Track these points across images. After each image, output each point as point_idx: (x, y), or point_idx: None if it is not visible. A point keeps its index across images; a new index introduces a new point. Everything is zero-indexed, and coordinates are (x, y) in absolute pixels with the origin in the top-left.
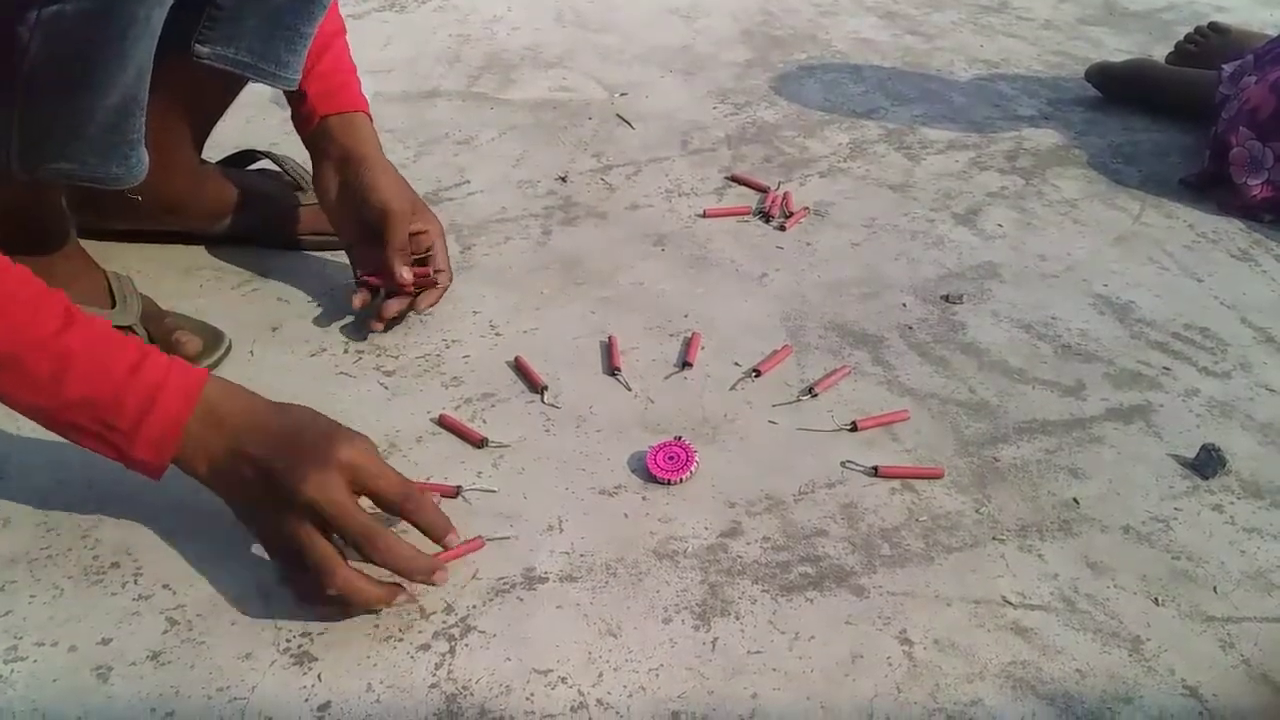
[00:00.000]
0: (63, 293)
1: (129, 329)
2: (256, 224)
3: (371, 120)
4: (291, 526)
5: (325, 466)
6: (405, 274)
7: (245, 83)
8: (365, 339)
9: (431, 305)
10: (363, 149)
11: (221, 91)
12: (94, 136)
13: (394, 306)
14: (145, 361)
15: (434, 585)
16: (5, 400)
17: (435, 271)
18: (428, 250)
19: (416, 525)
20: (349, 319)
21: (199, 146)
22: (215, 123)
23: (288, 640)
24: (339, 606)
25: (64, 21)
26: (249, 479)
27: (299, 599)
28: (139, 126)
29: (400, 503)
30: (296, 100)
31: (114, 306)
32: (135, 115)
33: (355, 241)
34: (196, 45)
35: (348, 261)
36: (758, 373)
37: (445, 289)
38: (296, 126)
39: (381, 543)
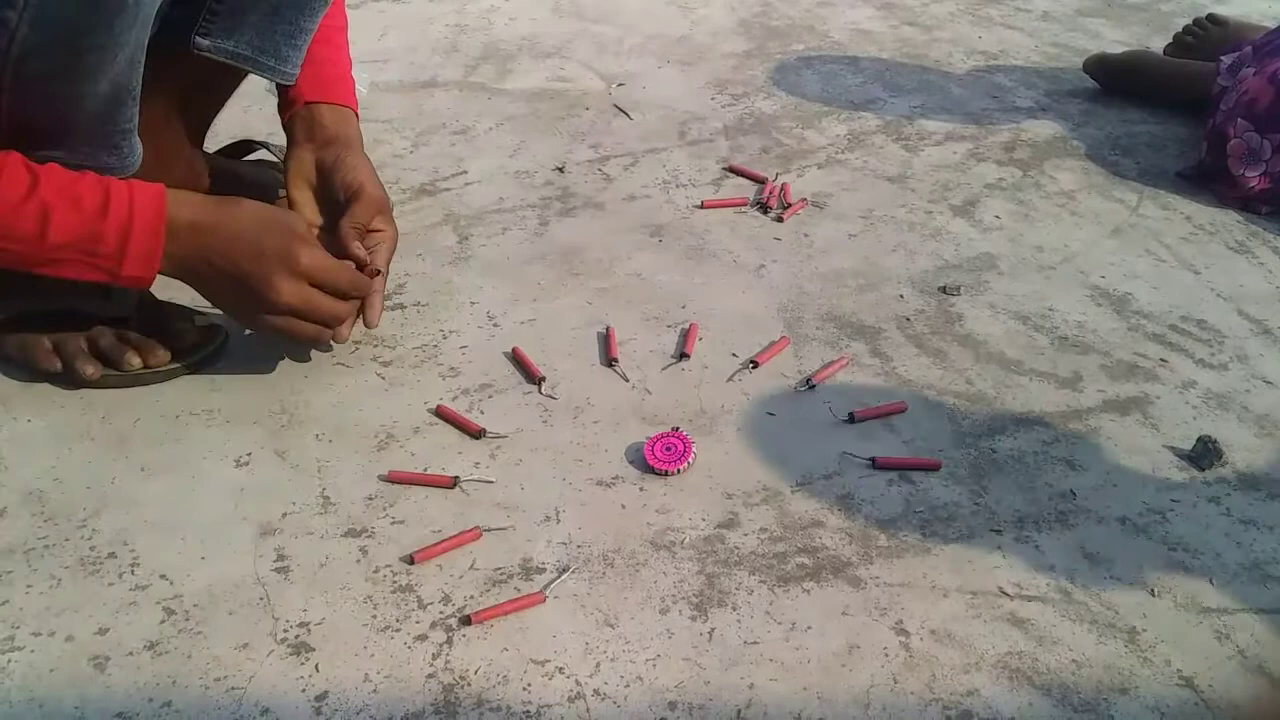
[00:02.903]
0: (14, 152)
1: (125, 321)
2: None
3: (358, 118)
4: (274, 322)
5: (292, 276)
6: (358, 249)
7: (244, 76)
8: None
9: (378, 317)
10: (348, 138)
11: (221, 85)
12: (85, 125)
13: (345, 332)
14: (111, 193)
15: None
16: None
17: (376, 270)
18: (374, 247)
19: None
20: None
21: (198, 139)
22: (215, 115)
23: (285, 630)
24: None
25: (51, 5)
26: (225, 283)
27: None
28: (131, 116)
29: (350, 292)
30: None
31: (110, 297)
32: (127, 104)
33: (314, 223)
34: (197, 38)
35: None
36: (755, 364)
37: (382, 294)
38: (281, 107)
39: (344, 315)
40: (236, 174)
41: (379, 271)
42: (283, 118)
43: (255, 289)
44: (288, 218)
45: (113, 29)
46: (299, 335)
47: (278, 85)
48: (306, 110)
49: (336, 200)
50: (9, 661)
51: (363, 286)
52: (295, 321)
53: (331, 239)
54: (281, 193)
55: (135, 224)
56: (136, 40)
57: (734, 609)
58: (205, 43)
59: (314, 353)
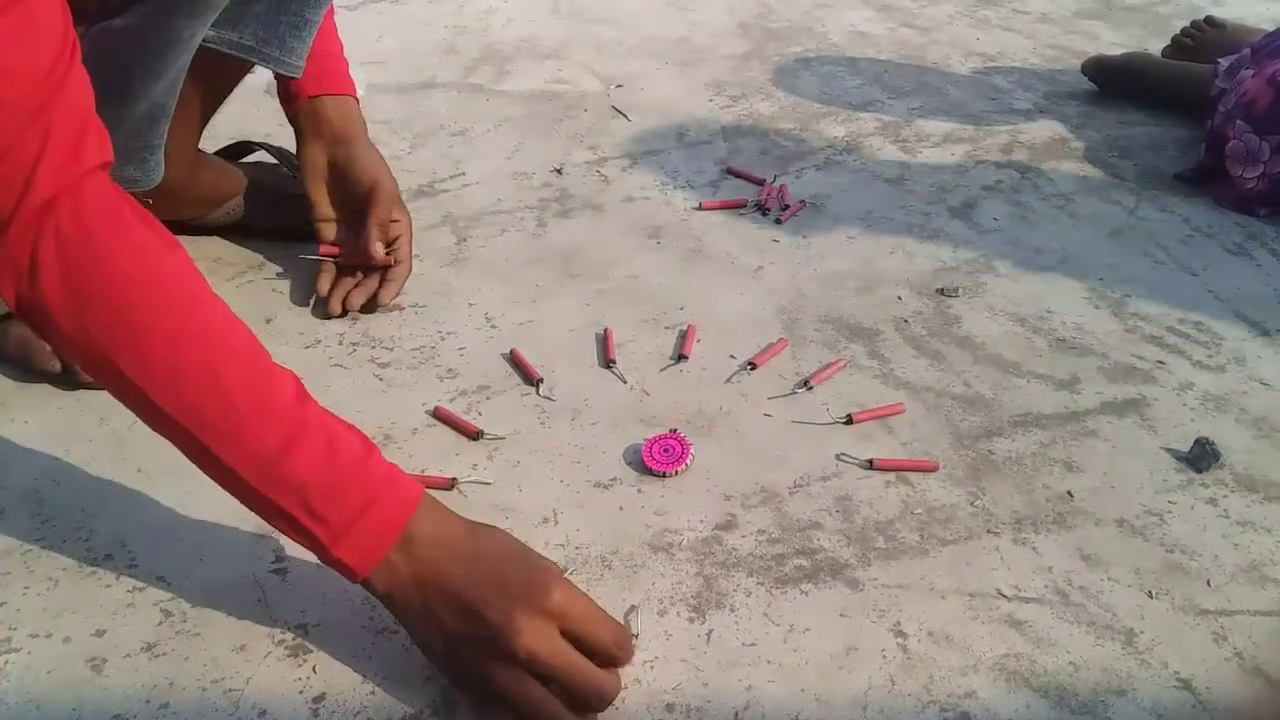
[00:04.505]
0: (293, 374)
1: None
2: (251, 214)
3: (359, 103)
4: (503, 678)
5: (541, 615)
6: (378, 248)
7: (246, 70)
8: (349, 324)
9: (393, 298)
10: (355, 132)
11: (221, 79)
12: (118, 141)
13: (357, 298)
14: (370, 457)
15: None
16: (204, 463)
17: (396, 261)
18: (395, 239)
19: (614, 666)
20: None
21: (196, 135)
22: (214, 111)
23: (283, 632)
24: None
25: (110, 37)
26: (451, 617)
27: None
28: (162, 132)
29: (613, 649)
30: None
31: None
32: (160, 122)
33: (331, 218)
34: None
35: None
36: (753, 365)
37: (403, 281)
38: (283, 100)
39: (610, 695)
40: (234, 173)
41: (399, 262)
42: (287, 111)
43: (489, 624)
44: (541, 557)
45: (165, 57)
46: (534, 707)
47: (278, 77)
48: (310, 105)
49: (354, 196)
50: (6, 663)
51: (626, 646)
52: (532, 685)
53: (352, 235)
54: (299, 189)
55: (379, 502)
56: (181, 66)
57: (732, 610)
58: (210, 33)
59: (311, 352)
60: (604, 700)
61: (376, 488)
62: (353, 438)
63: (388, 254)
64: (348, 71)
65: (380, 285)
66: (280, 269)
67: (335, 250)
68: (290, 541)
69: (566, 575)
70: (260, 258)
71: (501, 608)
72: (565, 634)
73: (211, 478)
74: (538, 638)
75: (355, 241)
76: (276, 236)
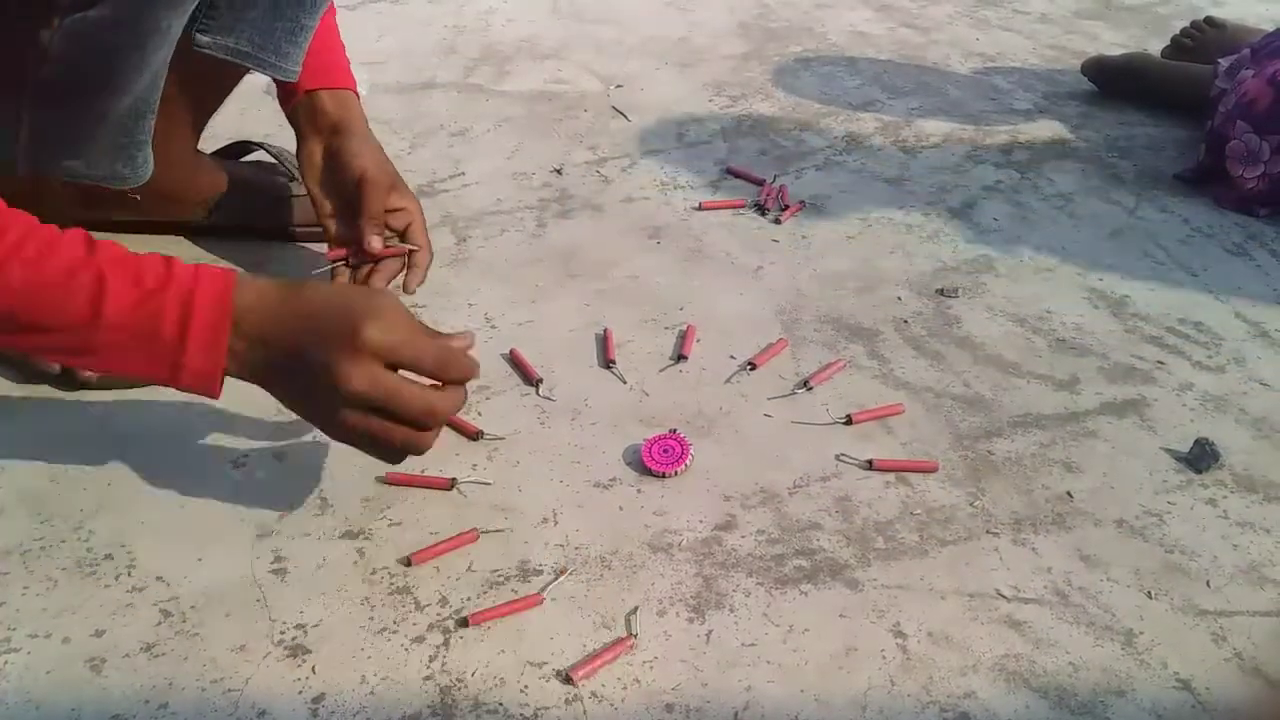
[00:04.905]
0: (80, 229)
1: None
2: (251, 215)
3: (359, 99)
4: (350, 420)
5: (358, 355)
6: (375, 242)
7: (243, 74)
8: None
9: (419, 284)
10: (351, 122)
11: (220, 82)
12: (104, 138)
13: (379, 282)
14: (173, 266)
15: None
16: (31, 346)
17: (412, 250)
18: (406, 226)
19: (457, 384)
20: None
21: (195, 137)
22: (212, 113)
23: (281, 632)
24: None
25: (86, 28)
26: (295, 379)
27: (379, 459)
28: (148, 128)
29: (439, 372)
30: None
31: None
32: (146, 117)
33: (333, 215)
34: (197, 34)
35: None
36: (753, 366)
37: (427, 266)
38: (281, 100)
39: (442, 410)
40: (233, 173)
41: (418, 248)
42: (285, 109)
43: (321, 380)
44: (360, 294)
45: (144, 50)
46: (381, 439)
47: (277, 80)
48: (307, 99)
49: (344, 187)
50: (5, 664)
51: (457, 364)
52: (374, 420)
53: (350, 231)
54: (297, 189)
55: (198, 302)
56: (163, 59)
57: (731, 611)
58: (205, 39)
59: None
60: (437, 417)
61: (186, 288)
62: (149, 261)
63: (398, 245)
64: (348, 67)
65: (406, 273)
66: (282, 269)
67: (343, 252)
68: (290, 542)
69: (567, 574)
70: (259, 257)
71: (322, 356)
72: (391, 366)
73: (59, 361)
74: (356, 378)
75: (354, 235)
76: (276, 237)
